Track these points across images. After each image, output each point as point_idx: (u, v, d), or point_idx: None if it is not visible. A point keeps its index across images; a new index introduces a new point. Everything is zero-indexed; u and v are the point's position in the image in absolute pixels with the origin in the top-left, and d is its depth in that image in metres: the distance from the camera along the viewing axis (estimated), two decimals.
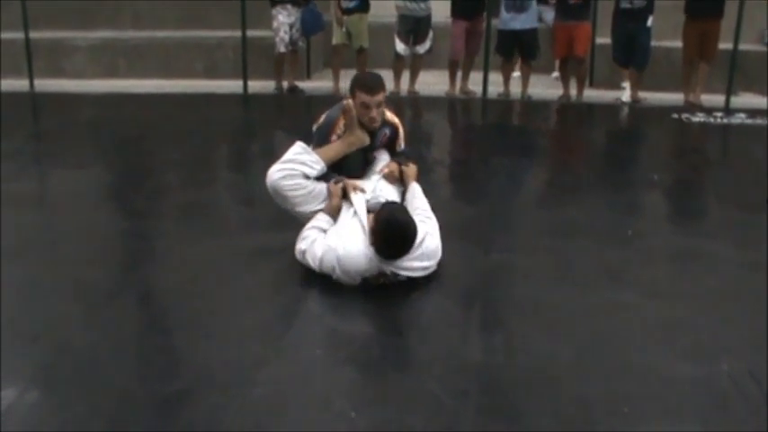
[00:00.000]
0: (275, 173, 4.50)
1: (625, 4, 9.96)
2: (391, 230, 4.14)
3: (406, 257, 4.22)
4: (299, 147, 4.57)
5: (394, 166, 4.77)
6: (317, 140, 4.68)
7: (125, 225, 5.48)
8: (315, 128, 4.78)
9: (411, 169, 4.83)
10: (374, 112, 4.59)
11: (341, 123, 4.65)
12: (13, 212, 5.44)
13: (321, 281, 4.28)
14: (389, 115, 4.84)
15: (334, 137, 4.65)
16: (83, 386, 3.30)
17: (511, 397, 3.29)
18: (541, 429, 3.05)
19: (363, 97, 4.56)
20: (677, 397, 3.27)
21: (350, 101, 4.61)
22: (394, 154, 4.92)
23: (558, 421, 3.09)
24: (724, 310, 4.12)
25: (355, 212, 4.36)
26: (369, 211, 4.37)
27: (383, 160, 4.86)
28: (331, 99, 9.88)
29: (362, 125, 4.64)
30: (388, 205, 4.38)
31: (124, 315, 4.02)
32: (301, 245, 4.37)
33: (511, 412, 3.17)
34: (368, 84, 4.61)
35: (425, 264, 4.32)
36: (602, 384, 3.36)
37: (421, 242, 4.27)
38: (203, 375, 3.39)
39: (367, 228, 4.24)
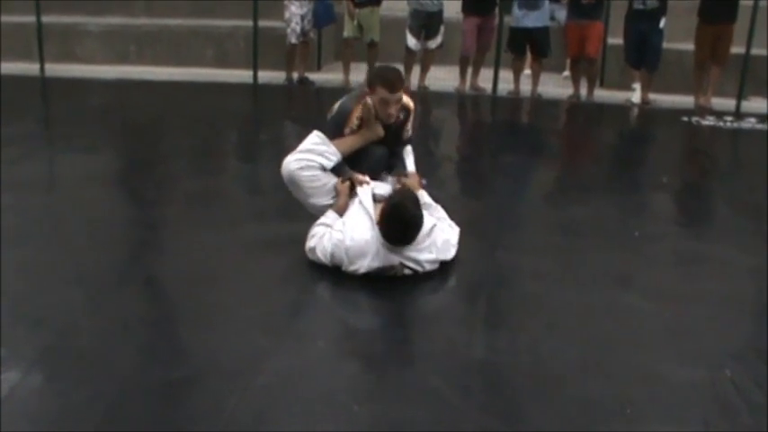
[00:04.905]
0: (293, 162, 4.51)
1: (638, 5, 9.93)
2: (396, 215, 4.17)
3: (413, 247, 4.24)
4: (317, 137, 4.57)
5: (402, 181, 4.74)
6: (330, 130, 4.63)
7: (133, 212, 5.50)
8: (328, 117, 4.75)
9: (412, 182, 4.75)
10: (393, 109, 4.55)
11: (355, 116, 4.61)
12: (21, 196, 5.45)
13: (328, 273, 4.30)
14: (406, 99, 4.76)
15: (347, 129, 4.62)
16: (86, 371, 3.30)
17: (513, 395, 3.29)
18: (543, 429, 3.04)
19: (384, 93, 4.50)
20: (680, 400, 3.27)
21: (368, 99, 4.57)
22: (400, 142, 4.87)
23: (560, 421, 3.08)
24: (729, 314, 4.11)
25: (361, 203, 4.38)
26: (375, 201, 4.39)
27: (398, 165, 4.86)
28: (341, 91, 9.91)
29: (378, 119, 4.60)
30: (400, 192, 4.41)
31: (129, 301, 4.03)
32: (310, 242, 4.38)
33: (513, 410, 3.17)
34: (390, 80, 4.54)
35: (433, 257, 4.33)
36: (605, 386, 3.36)
37: (429, 233, 4.29)
38: (207, 363, 3.40)
39: (374, 216, 4.26)
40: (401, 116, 4.78)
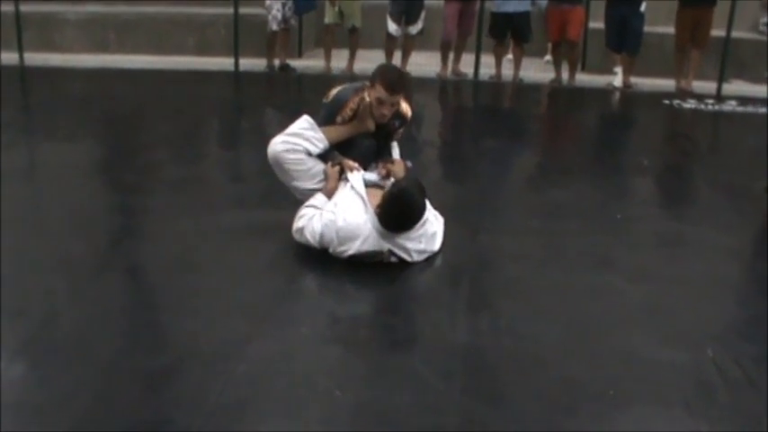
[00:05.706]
0: (279, 144, 4.51)
1: None
2: (402, 201, 4.18)
3: (406, 236, 4.24)
4: (305, 122, 4.56)
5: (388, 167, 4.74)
6: (323, 116, 4.63)
7: (114, 200, 5.47)
8: (323, 102, 4.71)
9: (398, 167, 4.72)
10: (386, 110, 4.52)
11: (349, 107, 4.59)
12: (2, 185, 5.40)
13: (312, 259, 4.29)
14: (405, 107, 4.76)
15: (339, 118, 4.60)
16: (68, 360, 3.29)
17: (496, 378, 3.30)
18: (526, 411, 3.05)
19: (382, 93, 4.46)
20: (661, 381, 3.28)
21: (366, 93, 4.55)
22: (390, 140, 4.89)
23: (543, 403, 3.09)
24: (710, 295, 4.14)
25: (353, 187, 4.37)
26: (366, 186, 4.40)
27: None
28: (322, 78, 9.92)
29: (371, 115, 4.58)
30: (406, 178, 4.43)
31: (111, 290, 4.02)
32: (299, 223, 4.36)
33: (496, 393, 3.18)
34: (390, 81, 4.49)
35: (422, 247, 4.33)
36: (588, 367, 3.37)
37: (423, 223, 4.30)
38: (190, 350, 3.39)
39: (367, 200, 4.26)
40: (396, 123, 4.78)
